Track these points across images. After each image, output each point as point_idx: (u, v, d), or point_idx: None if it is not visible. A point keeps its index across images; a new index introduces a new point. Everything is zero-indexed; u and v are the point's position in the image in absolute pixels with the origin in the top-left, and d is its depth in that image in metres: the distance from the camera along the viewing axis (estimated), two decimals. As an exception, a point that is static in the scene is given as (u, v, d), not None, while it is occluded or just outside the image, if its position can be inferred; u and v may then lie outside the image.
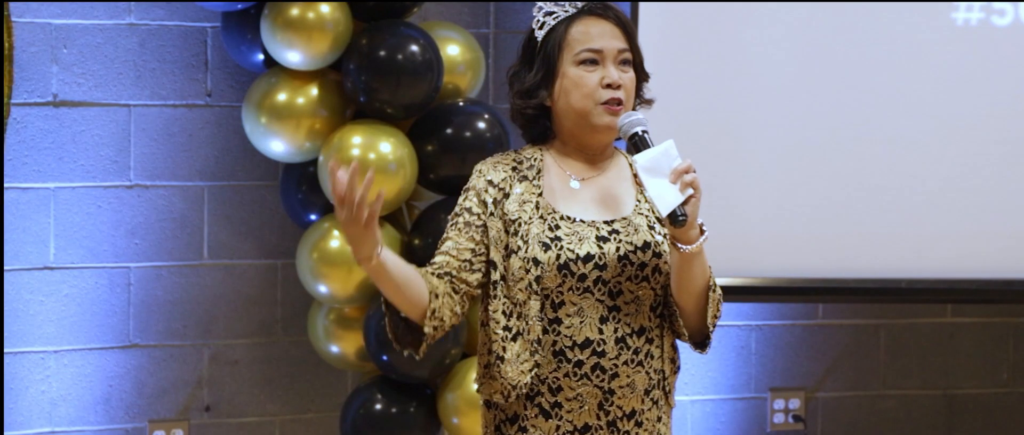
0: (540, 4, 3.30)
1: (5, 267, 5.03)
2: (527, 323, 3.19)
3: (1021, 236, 5.31)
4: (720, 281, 2.98)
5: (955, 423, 5.92)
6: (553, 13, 3.28)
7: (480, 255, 3.22)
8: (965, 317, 5.90)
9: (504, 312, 3.21)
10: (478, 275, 3.22)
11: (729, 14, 5.19)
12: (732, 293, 5.27)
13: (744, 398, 5.75)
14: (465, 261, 3.22)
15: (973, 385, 5.92)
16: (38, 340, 5.13)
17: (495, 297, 3.22)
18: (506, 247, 3.22)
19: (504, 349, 3.20)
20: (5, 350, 5.04)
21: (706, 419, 5.72)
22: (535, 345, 3.18)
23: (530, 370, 3.19)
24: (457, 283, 3.21)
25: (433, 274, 3.20)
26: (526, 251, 3.18)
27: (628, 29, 3.28)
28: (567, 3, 3.28)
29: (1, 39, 4.88)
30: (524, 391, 3.19)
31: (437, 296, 3.16)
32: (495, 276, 3.22)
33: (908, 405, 5.88)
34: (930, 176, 5.27)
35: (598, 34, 3.25)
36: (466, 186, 3.30)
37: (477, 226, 3.23)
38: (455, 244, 3.23)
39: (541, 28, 3.28)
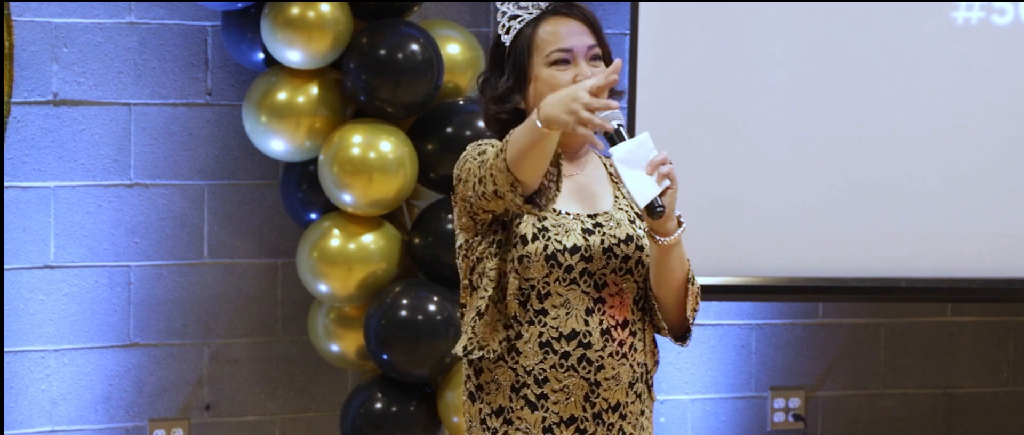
0: (501, 8, 3.28)
1: (5, 266, 5.03)
2: (504, 297, 3.19)
3: (1021, 236, 5.31)
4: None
5: (955, 422, 5.92)
6: (517, 16, 3.26)
7: None
8: (965, 316, 5.90)
9: (494, 275, 3.20)
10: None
11: (729, 14, 5.19)
12: (732, 293, 5.29)
13: (744, 397, 5.75)
14: None
15: (973, 384, 5.92)
16: (38, 339, 5.13)
17: (495, 257, 3.21)
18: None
19: (486, 308, 3.20)
20: (5, 349, 5.04)
21: (706, 418, 5.72)
22: (510, 320, 3.19)
23: (500, 341, 3.18)
24: None
25: None
26: (517, 225, 3.19)
27: (594, 25, 3.27)
28: (530, 4, 3.27)
29: (1, 38, 4.88)
30: (490, 356, 3.18)
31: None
32: (500, 236, 3.21)
33: (908, 404, 5.88)
34: (930, 175, 5.27)
35: (566, 33, 3.23)
36: (477, 143, 3.24)
37: None
38: None
39: (507, 32, 3.26)
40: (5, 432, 5.03)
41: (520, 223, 3.18)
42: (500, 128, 3.29)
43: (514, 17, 3.26)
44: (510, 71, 3.24)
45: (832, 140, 5.25)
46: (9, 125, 5.03)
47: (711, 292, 4.95)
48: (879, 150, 5.25)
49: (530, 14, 3.25)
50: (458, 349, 3.23)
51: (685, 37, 5.22)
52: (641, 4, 5.14)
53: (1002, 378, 5.94)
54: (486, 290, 3.20)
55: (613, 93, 3.29)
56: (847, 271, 5.29)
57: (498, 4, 3.28)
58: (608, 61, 3.29)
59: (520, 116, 3.27)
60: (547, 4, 3.26)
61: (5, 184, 5.04)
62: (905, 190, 5.27)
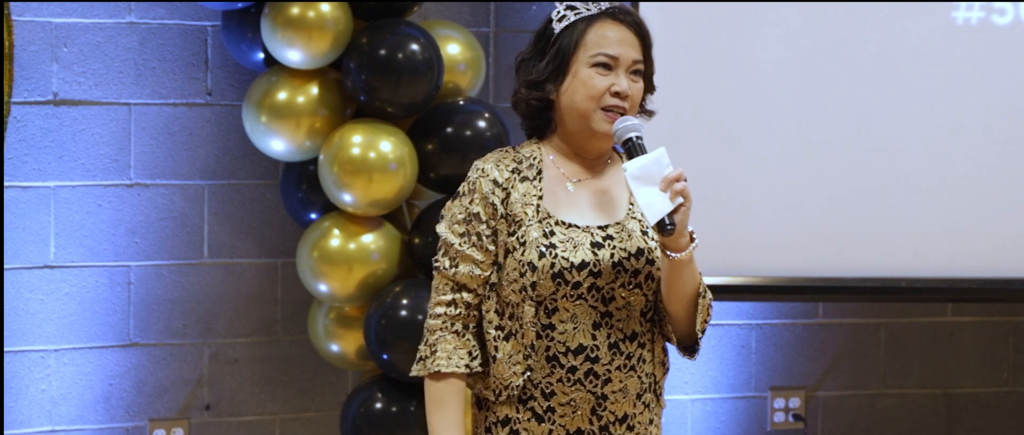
0: None
1: (5, 266, 5.03)
2: (521, 326, 3.18)
3: (1021, 236, 5.31)
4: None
5: (955, 422, 5.92)
6: (575, 8, 3.24)
7: (493, 265, 3.22)
8: (965, 316, 5.90)
9: (497, 311, 3.20)
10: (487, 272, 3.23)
11: (729, 14, 5.19)
12: (732, 293, 5.29)
13: (744, 397, 5.75)
14: (483, 282, 3.22)
15: (973, 384, 5.92)
16: (38, 339, 5.13)
17: (489, 297, 3.21)
18: (505, 247, 3.21)
19: (496, 348, 3.19)
20: (5, 349, 5.04)
21: (706, 418, 5.72)
22: (528, 349, 3.18)
23: (522, 373, 3.18)
24: (474, 319, 3.23)
25: (453, 330, 3.23)
26: (523, 254, 3.17)
27: (646, 39, 3.25)
28: (591, 3, 3.26)
29: (1, 38, 4.88)
30: (515, 393, 3.19)
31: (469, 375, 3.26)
32: (493, 277, 3.21)
33: (908, 404, 5.89)
34: (930, 175, 5.27)
35: (617, 40, 3.21)
36: (468, 185, 3.25)
37: (488, 236, 3.21)
38: (472, 269, 3.21)
39: (560, 21, 3.25)
40: (5, 432, 5.03)
41: (524, 251, 3.17)
42: (527, 112, 3.28)
43: (571, 8, 3.24)
44: (551, 59, 3.23)
45: (832, 140, 5.25)
46: (9, 125, 5.03)
47: (711, 292, 4.95)
48: (879, 150, 5.25)
49: (588, 11, 3.24)
50: (488, 394, 3.23)
51: (685, 37, 5.22)
52: (641, 4, 5.14)
53: (1002, 378, 5.94)
54: (490, 331, 3.20)
55: (643, 111, 3.29)
56: (847, 271, 5.29)
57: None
58: (649, 80, 3.27)
59: (548, 106, 3.26)
60: (607, 6, 3.24)
61: (5, 184, 5.04)
62: (905, 190, 5.27)
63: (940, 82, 5.25)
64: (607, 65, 3.21)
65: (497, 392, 3.20)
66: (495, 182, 3.23)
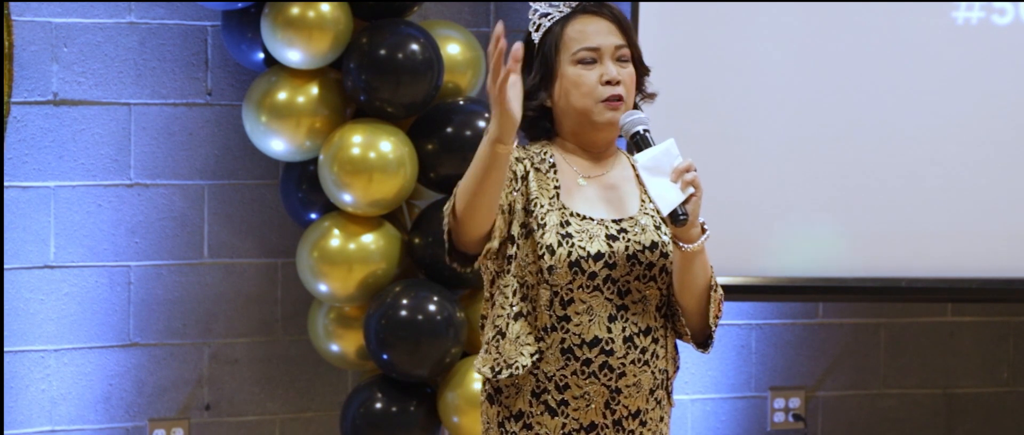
0: (534, 6, 3.29)
1: (5, 266, 5.03)
2: (535, 309, 3.18)
3: (1021, 236, 5.32)
4: (721, 280, 3.00)
5: (955, 422, 5.92)
6: (548, 14, 3.27)
7: (505, 213, 3.18)
8: (965, 316, 5.90)
9: (513, 290, 3.20)
10: (502, 229, 3.18)
11: (729, 13, 5.19)
12: (732, 292, 5.26)
13: (744, 397, 5.75)
14: (499, 206, 3.16)
15: (973, 384, 5.92)
16: (38, 339, 5.13)
17: (507, 272, 3.21)
18: (523, 225, 3.20)
19: (507, 325, 3.19)
20: (5, 349, 5.04)
21: (706, 418, 5.72)
22: (541, 333, 3.18)
23: (531, 355, 3.18)
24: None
25: None
26: (542, 235, 3.18)
27: (624, 25, 3.27)
28: (561, 3, 3.28)
29: (1, 38, 4.88)
30: (519, 372, 3.18)
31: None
32: (511, 250, 3.20)
33: (908, 404, 5.89)
34: (930, 175, 5.27)
35: (594, 32, 3.24)
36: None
37: (507, 193, 3.18)
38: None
39: (537, 30, 3.27)
40: (5, 432, 5.03)
41: (544, 234, 3.18)
42: (527, 125, 3.29)
43: (545, 15, 3.27)
44: (538, 68, 3.25)
45: (832, 140, 5.25)
46: (9, 125, 5.03)
47: (715, 290, 4.96)
48: (879, 150, 5.26)
49: (561, 12, 3.26)
50: (486, 371, 3.21)
51: (685, 37, 5.22)
52: (641, 4, 5.14)
53: (1002, 378, 5.95)
54: (503, 308, 3.20)
55: (645, 95, 3.30)
56: (847, 271, 5.29)
57: (531, 2, 3.29)
58: (638, 62, 3.28)
59: (546, 114, 3.27)
60: (577, 3, 3.26)
61: (5, 184, 5.04)
62: (905, 190, 5.27)
63: (940, 82, 5.25)
64: (591, 58, 3.23)
65: (496, 369, 3.19)
66: (517, 158, 3.23)
